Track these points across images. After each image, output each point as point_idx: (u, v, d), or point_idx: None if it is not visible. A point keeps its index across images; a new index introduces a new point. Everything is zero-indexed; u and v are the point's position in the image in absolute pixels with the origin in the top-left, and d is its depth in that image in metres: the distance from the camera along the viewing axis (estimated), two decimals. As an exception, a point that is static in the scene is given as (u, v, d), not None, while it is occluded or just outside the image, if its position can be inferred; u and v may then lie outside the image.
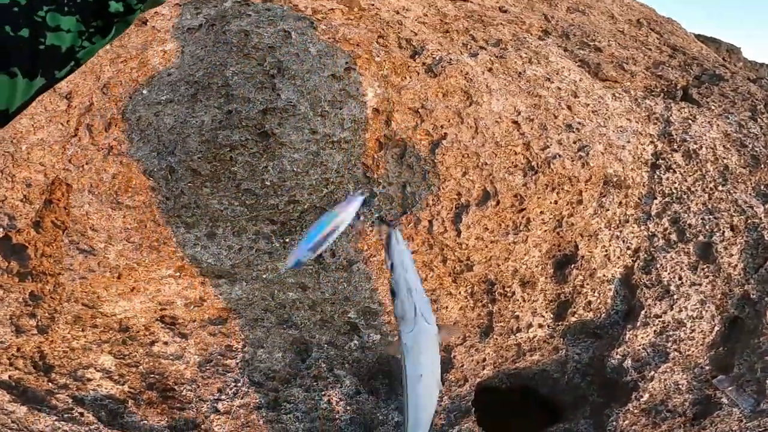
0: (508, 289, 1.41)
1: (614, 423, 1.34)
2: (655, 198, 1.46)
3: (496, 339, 1.44)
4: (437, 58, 1.45)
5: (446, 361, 1.42)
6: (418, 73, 1.39)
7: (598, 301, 1.43)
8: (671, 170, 1.48)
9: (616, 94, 1.56)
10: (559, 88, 1.47)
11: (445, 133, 1.37)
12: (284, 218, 1.43)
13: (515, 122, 1.41)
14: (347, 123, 1.36)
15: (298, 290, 1.47)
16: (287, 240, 1.46)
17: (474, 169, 1.38)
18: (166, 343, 1.46)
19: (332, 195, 1.42)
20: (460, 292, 1.45)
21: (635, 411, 1.34)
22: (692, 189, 1.47)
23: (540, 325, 1.42)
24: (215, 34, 1.38)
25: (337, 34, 1.35)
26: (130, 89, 1.43)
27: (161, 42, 1.37)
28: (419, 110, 1.38)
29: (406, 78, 1.41)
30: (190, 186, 1.34)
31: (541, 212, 1.40)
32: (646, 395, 1.37)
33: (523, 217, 1.40)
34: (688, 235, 1.45)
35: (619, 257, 1.42)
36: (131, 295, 1.48)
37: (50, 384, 1.39)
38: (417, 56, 1.45)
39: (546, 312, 1.44)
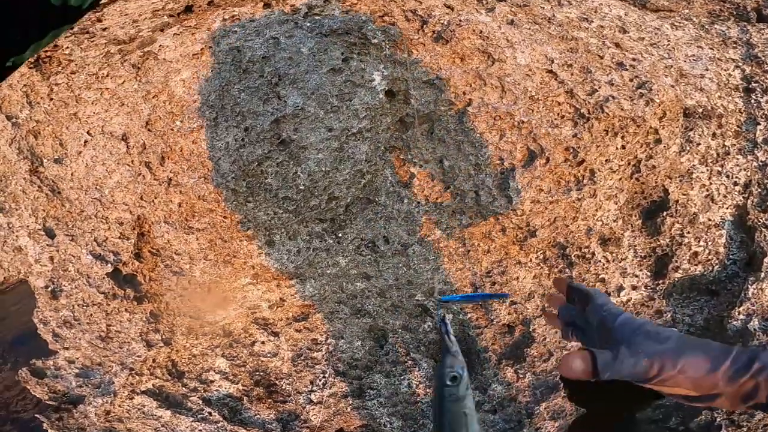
0: (585, 251, 1.44)
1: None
2: (758, 123, 1.30)
3: (581, 305, 1.48)
4: (445, 23, 1.43)
5: (526, 336, 1.53)
6: (425, 44, 1.39)
7: (707, 251, 1.37)
8: None
9: (676, 23, 1.38)
10: (602, 26, 1.34)
11: (470, 99, 1.39)
12: (331, 215, 1.62)
13: (550, 71, 1.36)
14: (362, 112, 1.46)
15: (363, 280, 1.68)
16: (340, 234, 1.66)
17: (511, 130, 1.38)
18: (263, 343, 1.83)
19: (372, 183, 1.56)
20: (530, 260, 1.52)
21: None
22: None
23: (634, 287, 1.43)
24: (213, 55, 1.55)
25: (323, 28, 1.41)
26: (169, 122, 1.70)
27: (177, 72, 1.60)
28: (435, 81, 1.41)
29: (413, 52, 1.43)
30: (236, 204, 1.60)
31: (607, 160, 1.36)
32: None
33: (584, 170, 1.37)
34: None
35: (725, 196, 1.32)
36: (225, 304, 1.85)
37: (184, 388, 1.86)
38: (425, 26, 1.45)
39: (640, 270, 1.43)
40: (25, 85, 1.94)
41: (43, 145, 1.86)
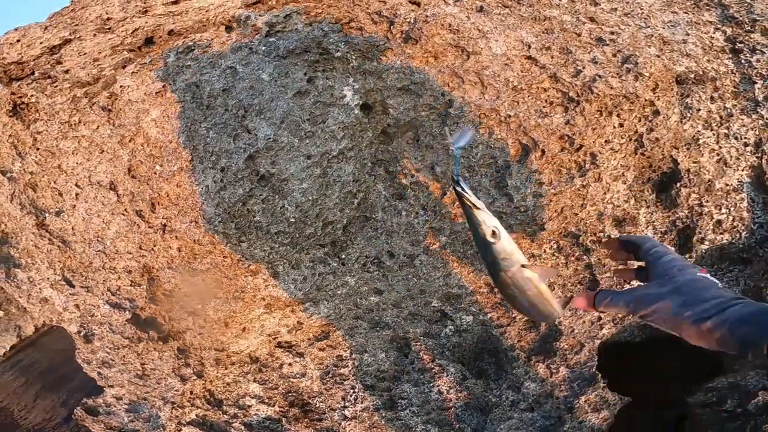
0: (600, 235, 1.43)
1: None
2: (755, 82, 1.23)
3: (603, 293, 1.49)
4: (412, 21, 1.37)
5: (552, 329, 1.57)
6: (392, 49, 1.34)
7: (730, 217, 1.35)
8: (758, 52, 1.22)
9: None
10: (573, 1, 1.26)
11: (450, 100, 1.35)
12: (330, 239, 1.66)
13: (529, 57, 1.31)
14: (339, 132, 1.45)
15: (376, 295, 1.72)
16: (343, 256, 1.69)
17: (499, 126, 1.36)
18: (290, 365, 1.92)
19: (366, 201, 1.57)
20: (544, 251, 1.53)
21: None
22: None
23: None
24: (174, 94, 1.54)
25: (279, 50, 1.38)
26: (150, 166, 1.73)
27: (146, 112, 1.62)
28: (410, 87, 1.37)
29: (381, 59, 1.38)
30: (230, 245, 1.64)
31: (606, 141, 1.32)
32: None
33: (584, 155, 1.34)
34: None
35: (738, 158, 1.29)
36: (245, 335, 1.94)
37: (225, 415, 1.99)
38: (392, 26, 1.39)
39: None
40: (10, 136, 1.99)
41: (44, 197, 1.93)
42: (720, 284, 0.92)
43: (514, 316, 1.61)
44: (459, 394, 1.67)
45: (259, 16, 1.44)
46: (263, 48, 1.47)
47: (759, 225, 1.36)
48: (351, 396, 1.82)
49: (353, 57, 1.42)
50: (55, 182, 1.82)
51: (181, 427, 2.04)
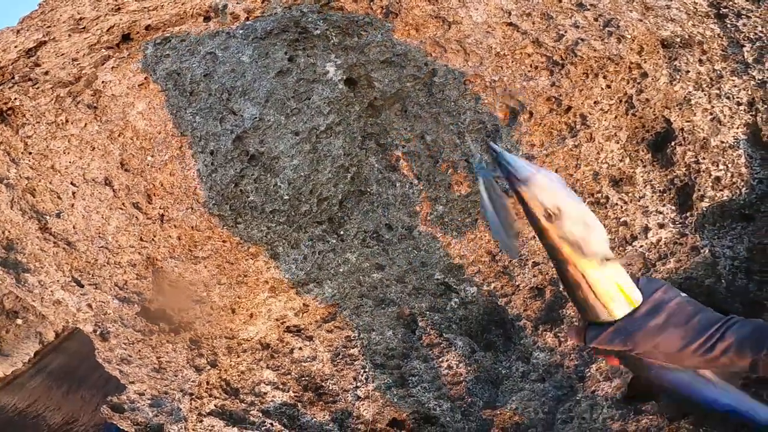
0: (598, 196, 1.47)
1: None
2: (743, 46, 1.25)
3: (607, 253, 1.52)
4: (387, -7, 1.40)
5: (557, 296, 1.66)
6: (372, 24, 1.38)
7: (728, 173, 1.37)
8: (743, 16, 1.24)
9: None
10: None
11: (434, 69, 1.38)
12: (327, 216, 1.72)
13: (510, 24, 1.36)
14: (325, 108, 1.51)
15: (378, 270, 1.78)
16: (341, 232, 1.76)
17: (485, 91, 1.39)
18: (300, 349, 2.01)
19: (359, 175, 1.62)
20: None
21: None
22: None
23: (661, 225, 1.46)
24: (156, 84, 1.60)
25: (256, 32, 1.42)
26: (142, 158, 1.81)
27: (131, 105, 1.70)
28: (393, 59, 1.41)
29: (362, 35, 1.42)
30: (227, 228, 1.71)
31: (595, 102, 1.35)
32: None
33: (574, 116, 1.37)
34: None
35: (731, 117, 1.31)
36: (254, 321, 2.03)
37: (242, 404, 2.10)
38: (372, 3, 1.43)
39: (663, 206, 1.46)
40: (1, 143, 2.09)
41: (43, 201, 2.04)
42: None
43: (518, 284, 1.65)
44: (468, 368, 1.72)
45: (237, 3, 1.49)
46: (241, 31, 1.52)
47: (758, 180, 1.37)
48: (362, 376, 1.89)
49: (333, 34, 1.47)
50: (51, 183, 1.92)
51: (201, 418, 2.16)
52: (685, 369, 0.91)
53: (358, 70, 1.53)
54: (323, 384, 2.01)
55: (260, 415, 2.07)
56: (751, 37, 1.40)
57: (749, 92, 1.32)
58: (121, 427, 2.29)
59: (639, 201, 1.49)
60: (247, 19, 1.52)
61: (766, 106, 1.30)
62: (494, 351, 1.72)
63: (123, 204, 2.03)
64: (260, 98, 1.58)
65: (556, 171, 1.53)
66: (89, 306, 2.17)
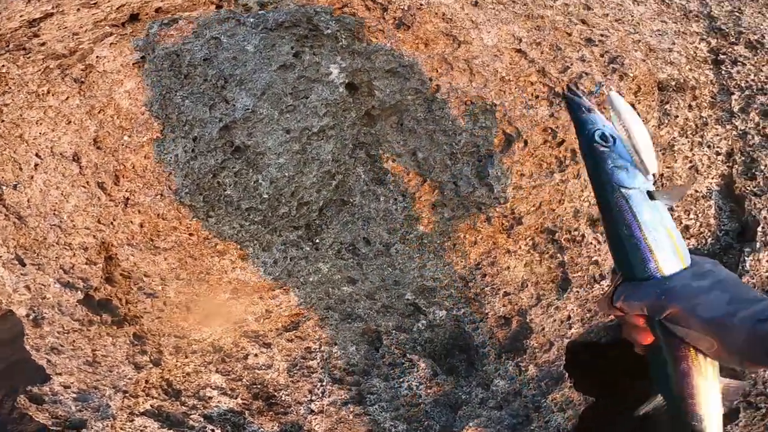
0: (575, 233, 1.55)
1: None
2: (732, 93, 1.39)
3: (577, 292, 1.62)
4: (406, 8, 1.48)
5: (523, 326, 1.67)
6: (384, 31, 1.45)
7: (698, 223, 1.49)
8: (739, 64, 1.40)
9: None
10: (566, 4, 1.41)
11: (438, 86, 1.47)
12: (305, 221, 1.74)
13: (519, 51, 1.45)
14: (321, 109, 1.54)
15: (349, 284, 1.81)
16: (317, 240, 1.77)
17: (484, 114, 1.46)
18: (256, 355, 2.00)
19: (344, 184, 1.65)
20: (520, 247, 1.64)
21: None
22: None
23: None
24: (151, 63, 1.61)
25: (267, 22, 1.46)
26: (118, 137, 1.79)
27: (120, 83, 1.69)
28: (398, 70, 1.47)
29: (372, 41, 1.48)
30: (197, 220, 1.71)
31: None
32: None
33: (565, 150, 1.46)
34: None
35: (709, 166, 1.43)
36: (209, 322, 2.01)
37: (183, 407, 2.06)
38: (386, 13, 1.50)
39: None
40: None
41: (3, 171, 1.97)
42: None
43: (487, 312, 1.72)
44: (429, 390, 1.77)
45: (251, -7, 1.54)
46: (251, 20, 1.55)
47: (725, 232, 1.51)
48: (318, 389, 1.90)
49: (343, 36, 1.52)
50: (15, 153, 1.86)
51: (133, 417, 2.10)
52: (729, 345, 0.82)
53: (361, 76, 1.58)
54: (276, 394, 2.00)
55: (201, 419, 2.04)
56: (742, 85, 1.57)
57: (729, 142, 1.47)
58: (37, 420, 2.20)
59: (614, 242, 1.60)
60: (260, 11, 1.56)
61: (743, 158, 1.45)
62: (456, 375, 1.77)
63: (87, 182, 1.99)
64: (257, 90, 1.60)
65: (540, 205, 1.63)
66: (27, 288, 2.09)
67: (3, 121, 1.95)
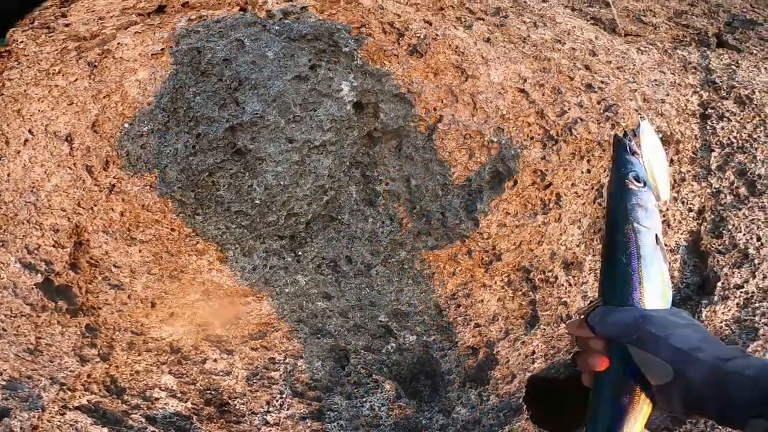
0: (549, 274, 1.67)
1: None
2: (713, 150, 1.58)
3: (544, 329, 1.74)
4: (422, 36, 1.62)
5: (489, 357, 1.77)
6: (398, 56, 1.58)
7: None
8: (725, 119, 1.58)
9: (642, 48, 1.69)
10: (573, 48, 1.59)
11: (441, 116, 1.61)
12: (290, 232, 1.81)
13: (522, 90, 1.59)
14: (327, 124, 1.64)
15: (324, 300, 1.88)
16: (299, 252, 1.84)
17: (480, 150, 1.60)
18: (215, 361, 2.01)
19: (335, 200, 1.74)
20: (495, 282, 1.74)
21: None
22: (754, 136, 1.58)
23: None
24: (171, 56, 1.69)
25: (291, 32, 1.58)
26: (118, 124, 1.84)
27: (133, 72, 1.75)
28: (405, 95, 1.60)
29: (385, 64, 1.61)
30: (182, 216, 1.76)
31: (573, 185, 1.60)
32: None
33: (551, 194, 1.61)
34: (759, 187, 1.59)
35: (680, 222, 1.60)
36: (172, 321, 2.02)
37: (124, 405, 2.04)
38: (402, 38, 1.64)
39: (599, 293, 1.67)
40: None
41: None
42: None
43: (456, 341, 1.81)
44: (390, 413, 1.83)
45: (276, 2, 1.65)
46: (277, 27, 1.67)
47: (686, 285, 1.68)
48: (277, 401, 1.92)
49: (359, 55, 1.65)
50: (8, 126, 1.88)
51: (65, 411, 2.04)
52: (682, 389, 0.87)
53: (369, 97, 1.70)
54: (230, 401, 2.00)
55: (143, 420, 2.00)
56: (724, 142, 1.75)
57: (702, 200, 1.66)
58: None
59: (582, 285, 1.74)
60: (282, 20, 1.68)
61: (712, 217, 1.64)
62: (419, 400, 1.84)
63: (74, 164, 2.01)
64: (269, 96, 1.69)
65: (520, 244, 1.76)
66: (-19, 265, 2.06)
67: (2, 95, 1.97)
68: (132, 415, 2.03)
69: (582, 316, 1.04)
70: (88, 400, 2.04)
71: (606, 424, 1.02)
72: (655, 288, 1.04)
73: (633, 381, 0.96)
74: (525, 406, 1.80)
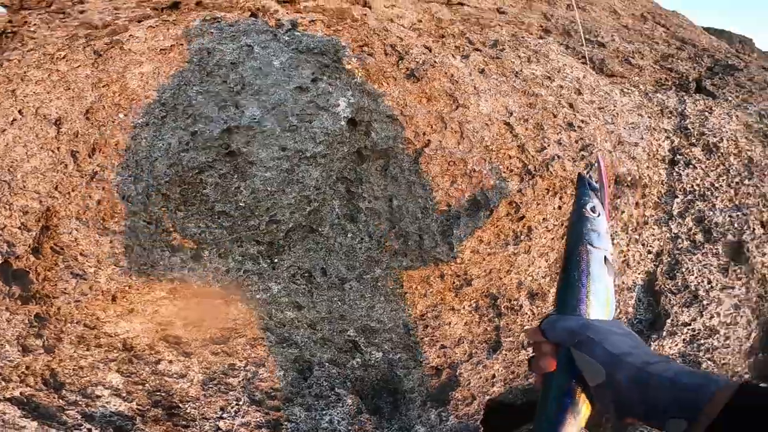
0: (514, 303, 1.79)
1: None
2: (676, 196, 1.77)
3: (505, 355, 1.83)
4: (420, 62, 1.77)
5: (452, 379, 1.85)
6: (396, 79, 1.72)
7: (619, 310, 1.78)
8: (691, 166, 1.78)
9: (625, 90, 1.87)
10: (561, 86, 1.77)
11: (429, 140, 1.73)
12: (269, 238, 1.87)
13: (507, 124, 1.74)
14: (320, 136, 1.75)
15: (294, 310, 1.92)
16: (275, 260, 1.90)
17: (462, 177, 1.73)
18: (170, 362, 2.00)
19: (317, 212, 1.82)
20: (463, 307, 1.84)
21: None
22: (716, 185, 1.78)
23: None
24: (181, 53, 1.78)
25: (300, 44, 1.70)
26: (112, 113, 1.89)
27: (138, 64, 1.81)
28: (398, 117, 1.73)
29: (383, 85, 1.75)
30: (164, 210, 1.80)
31: (544, 219, 1.74)
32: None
33: (523, 226, 1.74)
34: (715, 234, 1.76)
35: (639, 262, 1.75)
36: (130, 317, 2.01)
37: (61, 401, 1.98)
38: (401, 61, 1.78)
39: None
40: None
41: None
42: None
43: (421, 360, 1.89)
44: (350, 427, 1.85)
45: (286, 13, 1.78)
46: (286, 38, 1.79)
47: (639, 321, 1.84)
48: (232, 408, 1.92)
49: (360, 74, 1.78)
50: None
51: (-6, 401, 1.97)
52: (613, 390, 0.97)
53: (364, 115, 1.80)
54: (181, 405, 1.97)
55: (79, 417, 1.94)
56: (687, 188, 1.90)
57: (661, 243, 1.83)
58: None
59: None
60: (289, 30, 1.80)
61: (669, 260, 1.80)
62: (379, 416, 1.87)
63: (58, 148, 2.02)
64: (269, 104, 1.79)
65: (491, 272, 1.89)
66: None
67: (-1, 74, 1.99)
68: (68, 411, 1.97)
69: (538, 323, 1.19)
70: (21, 393, 1.97)
71: (549, 421, 1.15)
72: (600, 301, 1.21)
73: (575, 382, 1.09)
74: (482, 429, 1.88)
